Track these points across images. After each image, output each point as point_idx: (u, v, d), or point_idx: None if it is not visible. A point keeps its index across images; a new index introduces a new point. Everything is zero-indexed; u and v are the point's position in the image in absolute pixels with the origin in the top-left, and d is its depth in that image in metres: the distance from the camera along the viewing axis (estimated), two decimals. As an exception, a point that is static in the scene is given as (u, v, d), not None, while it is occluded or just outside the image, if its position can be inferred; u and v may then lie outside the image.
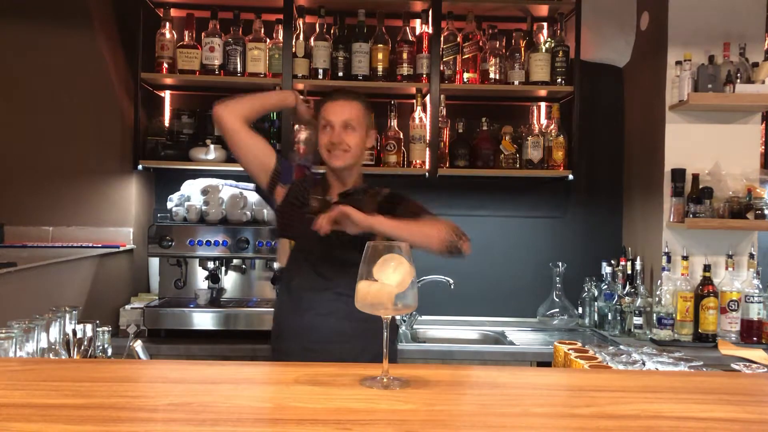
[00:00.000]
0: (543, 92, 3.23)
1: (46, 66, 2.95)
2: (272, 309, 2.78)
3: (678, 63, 2.99)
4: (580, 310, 3.27)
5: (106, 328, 1.62)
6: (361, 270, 1.23)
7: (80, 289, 2.67)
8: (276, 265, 2.81)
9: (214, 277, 2.93)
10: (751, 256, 3.00)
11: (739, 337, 2.89)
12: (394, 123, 3.18)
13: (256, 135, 2.27)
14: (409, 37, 3.15)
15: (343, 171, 2.20)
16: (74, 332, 1.58)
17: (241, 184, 3.04)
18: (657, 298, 2.93)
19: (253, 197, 3.00)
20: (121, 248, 2.99)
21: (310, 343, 2.10)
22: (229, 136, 2.24)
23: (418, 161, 3.15)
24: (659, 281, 2.98)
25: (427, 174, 3.11)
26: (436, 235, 2.00)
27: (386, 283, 1.20)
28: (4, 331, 1.38)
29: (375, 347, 1.95)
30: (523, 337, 3.06)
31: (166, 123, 3.24)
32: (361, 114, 2.19)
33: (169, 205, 2.99)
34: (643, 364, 1.63)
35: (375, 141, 2.28)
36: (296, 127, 2.82)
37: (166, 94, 3.35)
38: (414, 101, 3.17)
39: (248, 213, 2.93)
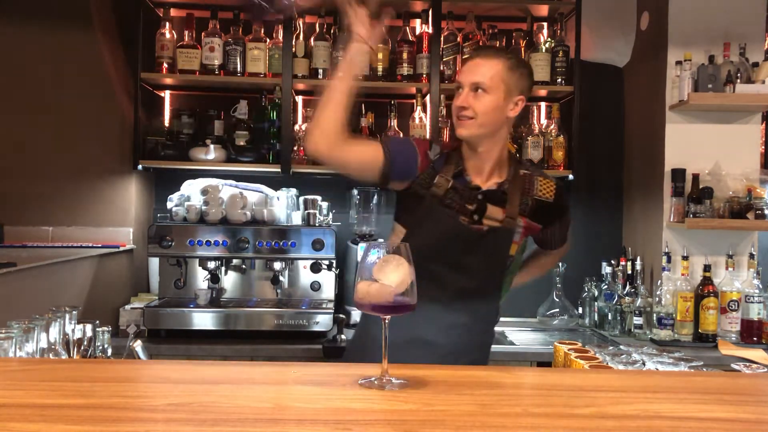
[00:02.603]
0: (543, 92, 3.23)
1: (46, 66, 2.95)
2: (272, 309, 2.80)
3: (678, 63, 2.99)
4: (580, 310, 3.27)
5: (105, 328, 1.62)
6: (360, 270, 1.23)
7: (80, 289, 2.67)
8: None
9: (214, 277, 2.93)
10: (751, 256, 3.00)
11: (739, 337, 2.89)
12: (394, 123, 3.18)
13: (354, 144, 1.89)
14: (409, 36, 3.15)
15: (472, 143, 1.89)
16: (74, 332, 1.58)
17: (241, 184, 3.04)
18: (657, 298, 2.93)
19: (253, 197, 3.00)
20: (121, 248, 2.99)
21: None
22: (332, 165, 1.91)
23: (418, 161, 3.14)
24: (659, 281, 2.98)
25: (427, 174, 3.10)
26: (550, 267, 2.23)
27: (386, 284, 1.20)
28: (4, 331, 1.38)
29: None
30: (523, 337, 3.05)
31: (166, 123, 3.24)
32: (500, 74, 1.84)
33: (169, 205, 2.99)
34: (643, 364, 1.63)
35: (522, 110, 1.91)
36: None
37: (166, 94, 3.35)
38: (414, 101, 3.17)
39: (248, 213, 2.93)
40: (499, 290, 2.00)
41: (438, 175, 1.89)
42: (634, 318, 2.98)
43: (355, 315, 2.91)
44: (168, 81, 3.17)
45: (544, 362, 2.65)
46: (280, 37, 3.10)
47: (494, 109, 1.85)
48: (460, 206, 1.89)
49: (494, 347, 2.86)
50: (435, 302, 1.86)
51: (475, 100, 1.83)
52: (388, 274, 1.20)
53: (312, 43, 3.10)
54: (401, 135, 3.17)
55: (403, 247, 1.23)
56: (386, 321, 1.23)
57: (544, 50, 3.14)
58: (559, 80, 3.13)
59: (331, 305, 2.90)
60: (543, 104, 3.40)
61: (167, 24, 3.09)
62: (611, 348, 1.76)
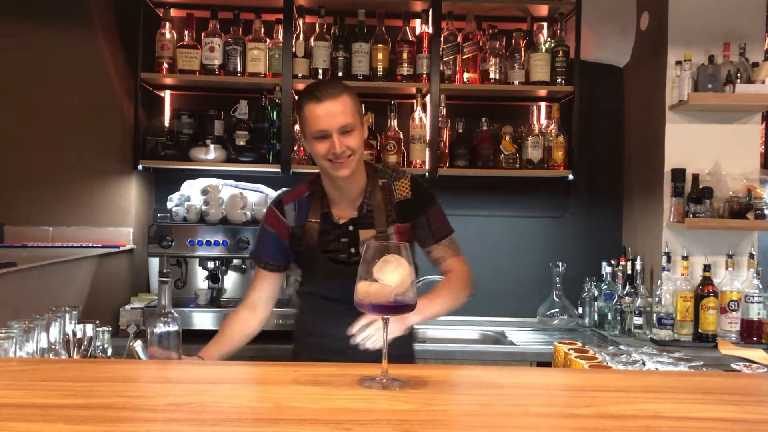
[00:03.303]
0: (543, 92, 3.23)
1: (46, 66, 2.95)
2: (272, 309, 2.80)
3: (678, 63, 2.99)
4: (580, 310, 3.27)
5: (105, 328, 1.62)
6: (360, 270, 1.23)
7: (80, 289, 2.67)
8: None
9: (214, 277, 2.93)
10: (751, 256, 3.00)
11: (739, 337, 2.89)
12: (394, 123, 3.18)
13: (264, 285, 2.12)
14: (409, 37, 3.15)
15: (349, 177, 1.96)
16: (74, 332, 1.58)
17: (241, 184, 3.04)
18: (657, 298, 2.93)
19: (252, 197, 3.00)
20: (121, 248, 2.99)
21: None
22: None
23: (418, 161, 3.15)
24: (659, 281, 2.98)
25: (427, 174, 3.11)
26: (463, 295, 2.02)
27: (386, 284, 1.20)
28: (4, 331, 1.38)
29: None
30: (523, 337, 3.05)
31: (166, 123, 3.25)
32: (351, 107, 1.91)
33: (169, 205, 2.99)
34: (643, 364, 1.63)
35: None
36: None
37: (166, 94, 3.35)
38: (414, 101, 3.17)
39: (248, 213, 2.93)
40: None
41: (306, 223, 2.02)
42: (634, 318, 2.98)
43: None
44: (168, 81, 3.17)
45: (544, 362, 2.65)
46: (280, 37, 3.10)
47: (362, 140, 1.96)
48: (336, 246, 2.01)
49: (494, 347, 2.88)
50: (349, 312, 1.88)
51: (347, 139, 1.89)
52: (388, 275, 1.20)
53: (312, 43, 3.10)
54: (400, 135, 3.16)
55: (403, 247, 1.23)
56: (387, 321, 1.23)
57: (544, 50, 3.14)
58: (559, 80, 3.13)
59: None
60: (543, 104, 3.40)
61: (167, 24, 3.09)
62: (611, 348, 1.76)
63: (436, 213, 2.07)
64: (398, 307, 1.22)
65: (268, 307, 2.14)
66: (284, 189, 2.13)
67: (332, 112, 1.87)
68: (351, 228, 2.01)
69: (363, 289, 1.22)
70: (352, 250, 2.00)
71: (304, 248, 2.03)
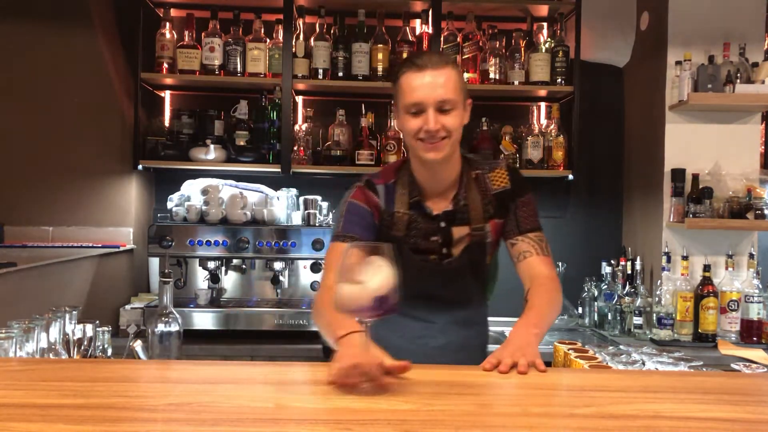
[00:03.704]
0: (543, 92, 3.23)
1: (46, 66, 2.95)
2: (273, 309, 2.81)
3: (678, 63, 2.99)
4: (580, 310, 3.27)
5: (105, 328, 1.62)
6: (340, 271, 1.19)
7: (80, 289, 2.67)
8: None
9: (214, 277, 2.93)
10: (751, 256, 3.00)
11: (739, 337, 2.89)
12: (394, 123, 3.18)
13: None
14: (409, 37, 3.15)
15: (438, 164, 1.73)
16: (74, 332, 1.58)
17: (241, 184, 3.04)
18: (657, 298, 2.93)
19: (253, 197, 3.00)
20: (121, 248, 2.99)
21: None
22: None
23: (418, 161, 3.14)
24: (659, 281, 2.98)
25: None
26: (559, 302, 1.75)
27: (366, 286, 1.16)
28: (4, 331, 1.38)
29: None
30: (523, 337, 3.05)
31: (166, 123, 3.25)
32: (456, 83, 1.67)
33: (169, 205, 2.99)
34: (643, 364, 1.63)
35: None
36: None
37: (166, 94, 3.35)
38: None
39: (248, 213, 2.93)
40: (483, 300, 1.95)
41: (394, 214, 1.77)
42: (634, 318, 2.98)
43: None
44: (168, 81, 3.17)
45: (544, 362, 2.64)
46: (280, 37, 3.10)
47: (461, 123, 1.71)
48: (425, 244, 1.78)
49: (494, 347, 2.87)
50: (424, 333, 1.81)
51: (445, 117, 1.66)
52: (369, 276, 1.17)
53: (312, 43, 3.10)
54: (400, 135, 3.16)
55: (386, 248, 1.19)
56: (368, 324, 1.20)
57: (544, 50, 3.14)
58: (559, 80, 3.13)
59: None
60: (543, 104, 3.40)
61: (167, 24, 3.09)
62: (611, 348, 1.76)
63: (527, 202, 1.82)
64: (379, 310, 1.17)
65: None
66: (365, 175, 1.85)
67: (432, 84, 1.64)
68: (443, 224, 1.78)
69: (343, 290, 1.18)
70: (445, 250, 1.79)
71: (390, 240, 1.74)
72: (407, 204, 1.78)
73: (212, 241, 2.83)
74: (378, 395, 1.10)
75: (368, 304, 1.16)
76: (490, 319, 2.50)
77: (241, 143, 3.09)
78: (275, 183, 3.15)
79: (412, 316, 1.80)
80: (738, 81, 2.89)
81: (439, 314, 1.82)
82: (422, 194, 1.79)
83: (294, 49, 3.06)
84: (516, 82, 3.13)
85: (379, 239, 1.76)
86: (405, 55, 3.12)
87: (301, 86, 3.16)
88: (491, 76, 3.13)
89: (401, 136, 3.16)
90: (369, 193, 1.79)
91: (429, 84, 1.64)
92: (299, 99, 3.36)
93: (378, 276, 1.16)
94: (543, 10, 3.26)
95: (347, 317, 1.25)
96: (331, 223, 3.04)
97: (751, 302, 2.86)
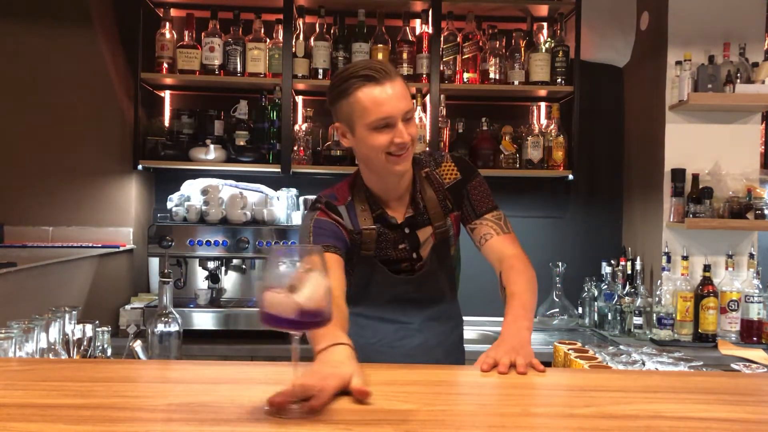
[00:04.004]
0: (543, 92, 3.23)
1: (47, 66, 2.95)
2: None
3: (678, 63, 2.99)
4: (580, 310, 3.27)
5: (105, 329, 1.62)
6: (264, 278, 1.05)
7: (80, 289, 2.67)
8: None
9: (214, 277, 2.93)
10: (751, 256, 3.00)
11: (739, 337, 2.89)
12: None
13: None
14: (409, 37, 3.15)
15: (404, 173, 1.72)
16: (74, 332, 1.58)
17: (241, 184, 3.04)
18: (657, 298, 2.93)
19: (253, 197, 3.00)
20: (121, 248, 2.99)
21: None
22: None
23: (418, 161, 3.14)
24: (659, 281, 2.98)
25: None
26: (534, 281, 1.68)
27: (292, 296, 1.02)
28: (3, 331, 1.38)
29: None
30: (523, 337, 3.05)
31: (166, 123, 3.25)
32: (406, 91, 1.64)
33: (169, 205, 2.99)
34: (643, 364, 1.63)
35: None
36: None
37: (166, 94, 3.35)
38: (414, 101, 3.17)
39: (248, 213, 2.93)
40: (454, 292, 1.95)
41: (362, 232, 1.74)
42: (634, 318, 2.98)
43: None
44: (168, 81, 3.17)
45: (544, 362, 2.61)
46: (280, 37, 3.10)
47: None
48: (395, 254, 1.77)
49: (488, 347, 2.87)
50: (403, 335, 1.82)
51: (409, 127, 1.63)
52: (297, 286, 1.02)
53: (312, 43, 3.10)
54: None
55: (317, 255, 1.06)
56: (295, 337, 1.07)
57: (544, 50, 3.14)
58: (559, 80, 3.13)
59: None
60: (543, 104, 3.40)
61: (167, 24, 3.09)
62: (611, 348, 1.76)
63: (477, 184, 1.81)
64: (304, 323, 1.04)
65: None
66: (320, 195, 1.79)
67: (396, 95, 1.59)
68: (408, 230, 1.78)
69: (266, 299, 1.03)
70: (414, 255, 1.79)
71: (359, 260, 1.77)
72: (372, 219, 1.76)
73: (212, 241, 2.82)
74: (304, 420, 1.00)
75: (292, 316, 1.02)
76: (490, 319, 2.48)
77: (241, 143, 3.09)
78: (275, 183, 3.15)
79: (388, 320, 1.81)
80: (738, 81, 2.89)
81: (414, 315, 1.83)
82: (382, 206, 1.77)
83: (294, 49, 3.06)
84: (516, 82, 3.13)
85: (351, 257, 1.75)
86: (405, 55, 3.12)
87: (301, 86, 3.16)
88: (491, 76, 3.13)
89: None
90: (332, 215, 1.74)
91: (393, 96, 1.60)
92: (299, 99, 3.35)
93: (307, 286, 1.02)
94: (543, 10, 3.26)
95: (329, 328, 1.16)
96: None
97: (751, 302, 2.87)
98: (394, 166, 1.65)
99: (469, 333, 3.15)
